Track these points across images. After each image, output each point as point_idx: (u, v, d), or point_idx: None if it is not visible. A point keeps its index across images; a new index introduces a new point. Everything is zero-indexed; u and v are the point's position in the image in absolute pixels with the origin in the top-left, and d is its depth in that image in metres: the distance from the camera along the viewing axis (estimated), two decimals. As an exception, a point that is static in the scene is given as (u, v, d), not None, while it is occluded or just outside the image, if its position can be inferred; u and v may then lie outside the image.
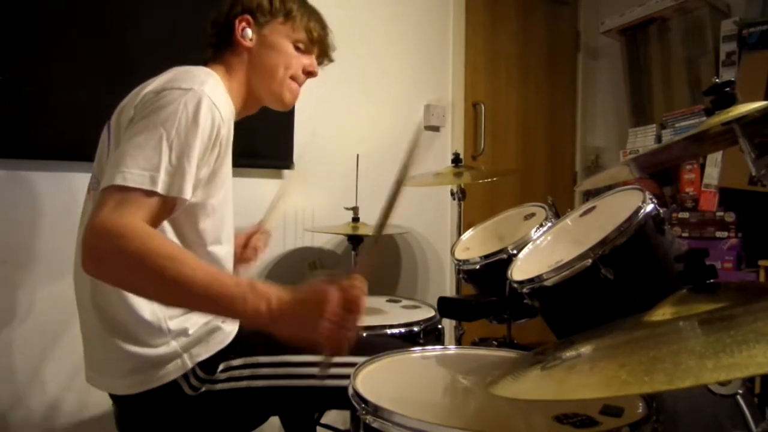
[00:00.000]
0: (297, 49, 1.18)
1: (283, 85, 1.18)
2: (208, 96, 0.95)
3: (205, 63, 1.16)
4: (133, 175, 0.86)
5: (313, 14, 1.21)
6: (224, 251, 1.10)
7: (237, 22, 1.15)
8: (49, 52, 1.52)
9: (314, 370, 1.08)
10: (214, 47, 1.17)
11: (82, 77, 1.57)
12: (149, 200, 0.86)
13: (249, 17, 1.15)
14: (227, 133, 1.02)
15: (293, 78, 1.18)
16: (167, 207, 0.91)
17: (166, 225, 0.99)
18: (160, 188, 0.87)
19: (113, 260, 0.82)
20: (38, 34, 1.50)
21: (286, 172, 2.08)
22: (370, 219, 2.02)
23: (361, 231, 1.92)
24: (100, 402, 1.20)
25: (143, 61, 1.64)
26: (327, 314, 0.81)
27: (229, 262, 1.12)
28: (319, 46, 1.22)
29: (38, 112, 1.51)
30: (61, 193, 1.56)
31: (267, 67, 1.16)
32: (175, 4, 1.74)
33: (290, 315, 0.82)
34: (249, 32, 1.15)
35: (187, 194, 0.91)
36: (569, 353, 0.66)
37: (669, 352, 0.54)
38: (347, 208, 1.98)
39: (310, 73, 1.21)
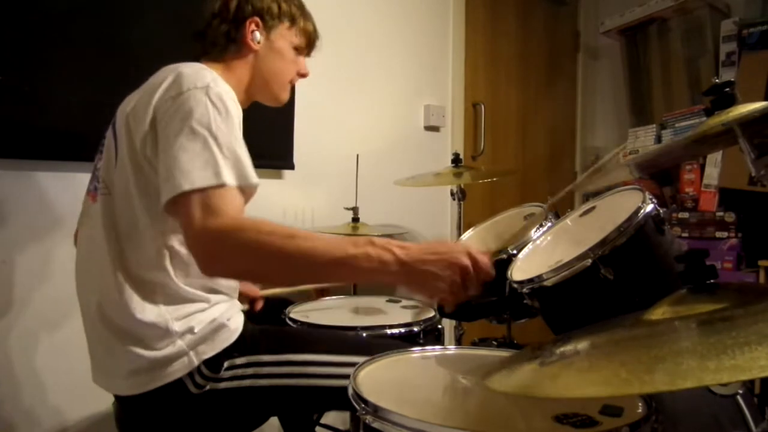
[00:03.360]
0: (295, 53, 1.23)
1: (282, 88, 1.23)
2: (222, 87, 0.97)
3: (197, 58, 1.16)
4: (197, 177, 0.87)
5: (309, 18, 1.25)
6: None
7: (248, 23, 1.15)
8: (49, 52, 1.52)
9: (317, 370, 1.08)
10: (220, 45, 1.16)
11: (82, 77, 1.57)
12: (223, 194, 0.88)
13: (258, 20, 1.16)
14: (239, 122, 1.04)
15: (290, 81, 1.24)
16: (240, 197, 0.92)
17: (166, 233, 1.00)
18: (227, 180, 0.88)
19: (232, 256, 0.85)
20: (38, 34, 1.50)
21: (286, 172, 2.08)
22: (369, 219, 2.02)
23: (361, 231, 1.92)
24: (101, 401, 1.20)
25: (144, 60, 1.63)
26: (460, 268, 0.87)
27: None
28: (311, 48, 1.28)
29: (38, 112, 1.51)
30: (61, 192, 1.56)
31: (271, 72, 1.20)
32: (175, 4, 1.74)
33: (420, 264, 0.87)
34: (258, 35, 1.17)
35: (254, 179, 0.93)
36: (567, 349, 0.66)
37: (670, 352, 0.54)
38: (347, 208, 1.98)
39: (303, 75, 1.27)
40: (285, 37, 1.20)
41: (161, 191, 0.90)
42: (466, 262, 0.88)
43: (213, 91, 0.95)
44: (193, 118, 0.91)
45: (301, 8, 1.23)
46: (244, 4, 1.16)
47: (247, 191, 0.93)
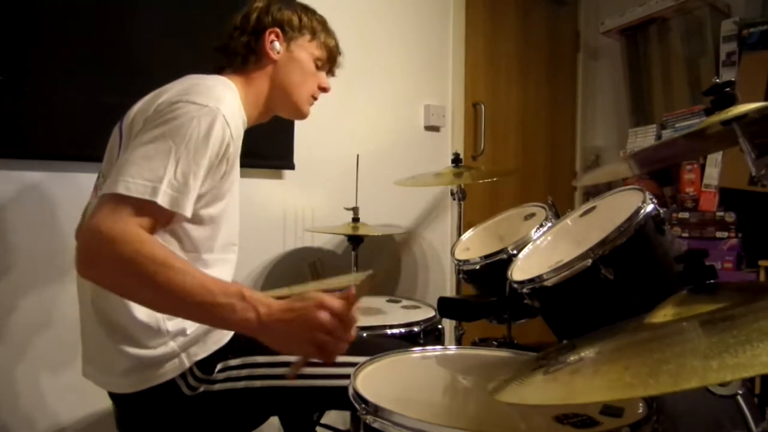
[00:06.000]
0: (316, 66, 1.23)
1: (303, 100, 1.23)
2: (223, 114, 0.95)
3: (220, 69, 1.17)
4: (137, 185, 0.86)
5: (331, 34, 1.26)
6: (219, 260, 1.09)
7: (267, 33, 1.16)
8: (49, 52, 1.52)
9: (315, 370, 1.07)
10: (241, 56, 1.16)
11: (82, 77, 1.56)
12: (147, 210, 0.87)
13: (278, 30, 1.17)
14: (235, 150, 1.02)
15: (311, 94, 1.24)
16: (164, 218, 0.92)
17: (162, 231, 0.99)
18: (160, 200, 0.87)
19: (105, 263, 0.83)
20: (38, 34, 1.50)
21: (286, 172, 2.08)
22: (370, 219, 2.02)
23: (361, 231, 1.92)
24: (100, 401, 1.20)
25: (144, 61, 1.64)
26: (317, 325, 0.83)
27: (224, 271, 1.11)
28: (332, 64, 1.28)
29: (38, 112, 1.50)
30: (62, 192, 1.56)
31: (290, 83, 1.20)
32: (175, 5, 1.74)
33: (279, 324, 0.83)
34: (277, 45, 1.17)
35: (188, 211, 0.92)
36: (572, 356, 0.66)
37: (672, 354, 0.54)
38: (347, 208, 1.98)
39: (324, 89, 1.27)
40: (306, 48, 1.20)
41: (109, 178, 0.89)
42: (323, 317, 0.83)
43: (207, 113, 0.94)
44: (171, 128, 0.91)
45: (323, 24, 1.24)
46: (264, 16, 1.17)
47: (172, 216, 0.93)
